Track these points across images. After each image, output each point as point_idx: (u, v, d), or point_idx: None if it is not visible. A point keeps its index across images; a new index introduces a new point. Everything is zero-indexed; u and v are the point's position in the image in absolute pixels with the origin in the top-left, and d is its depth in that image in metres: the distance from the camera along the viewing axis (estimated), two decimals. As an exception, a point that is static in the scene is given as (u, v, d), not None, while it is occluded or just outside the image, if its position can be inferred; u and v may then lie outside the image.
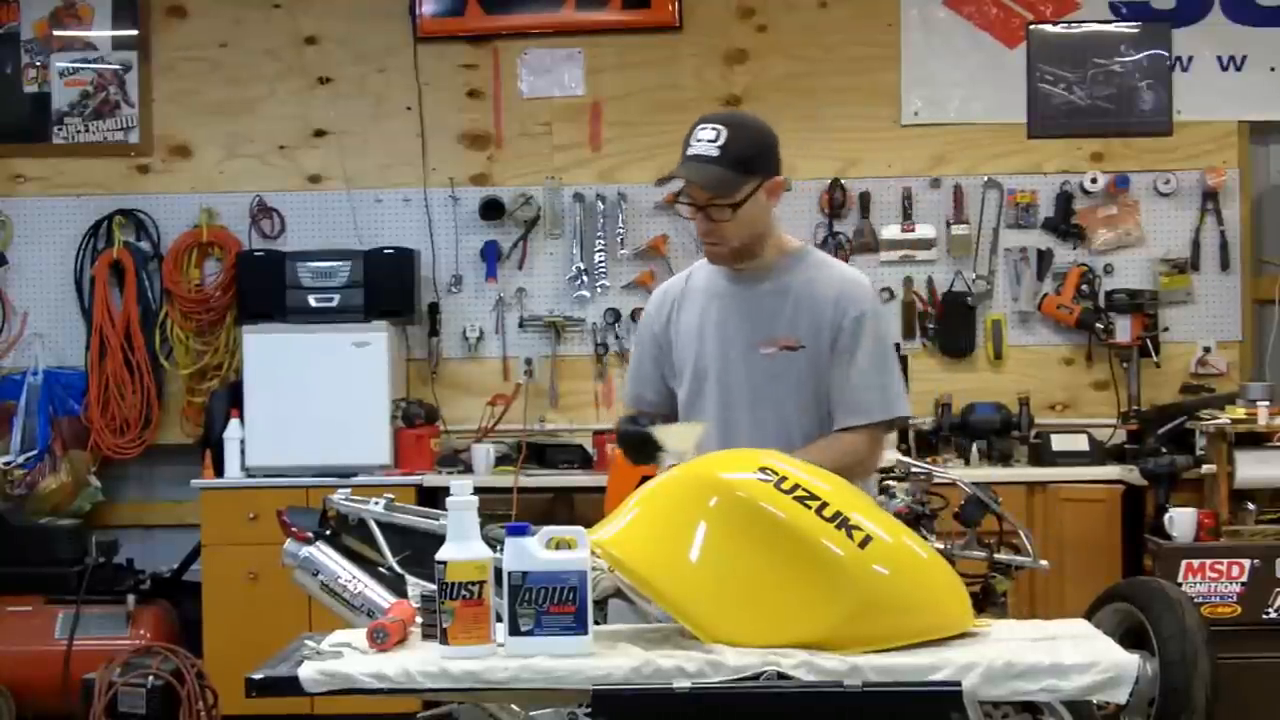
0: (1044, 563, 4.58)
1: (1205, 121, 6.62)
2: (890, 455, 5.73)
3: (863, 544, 2.69)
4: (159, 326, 6.74)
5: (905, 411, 3.43)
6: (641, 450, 3.27)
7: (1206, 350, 6.55)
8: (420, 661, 2.66)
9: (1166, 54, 6.62)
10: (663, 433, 3.25)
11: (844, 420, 3.35)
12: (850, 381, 3.34)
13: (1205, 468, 5.79)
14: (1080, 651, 2.65)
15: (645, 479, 3.06)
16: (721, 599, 2.69)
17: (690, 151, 3.24)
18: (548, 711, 2.92)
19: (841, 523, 2.70)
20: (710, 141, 3.22)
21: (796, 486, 2.75)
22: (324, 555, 3.83)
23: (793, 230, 6.62)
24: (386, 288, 6.47)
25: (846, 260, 6.62)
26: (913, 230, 6.68)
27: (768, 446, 3.14)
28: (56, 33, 6.87)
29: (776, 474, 2.78)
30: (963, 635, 2.76)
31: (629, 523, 2.82)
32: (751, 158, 3.24)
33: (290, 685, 2.63)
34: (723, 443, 3.27)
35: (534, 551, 2.69)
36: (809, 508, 2.72)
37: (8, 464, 6.58)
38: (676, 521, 2.78)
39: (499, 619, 2.70)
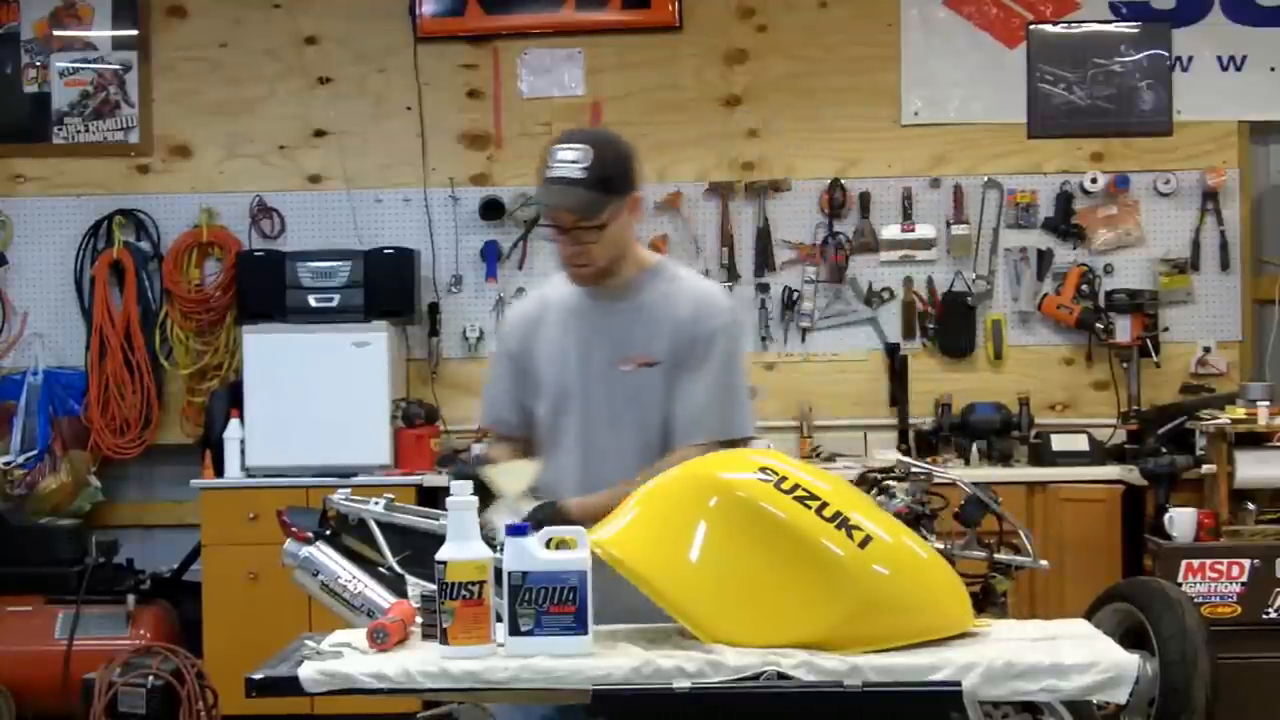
0: (1044, 563, 4.58)
1: (1205, 121, 6.63)
2: (890, 455, 5.75)
3: (863, 544, 2.69)
4: (159, 326, 6.74)
5: (747, 433, 3.28)
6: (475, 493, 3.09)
7: (1206, 350, 6.55)
8: (420, 661, 2.66)
9: (1166, 54, 6.62)
10: (493, 474, 3.12)
11: (683, 439, 3.22)
12: (694, 399, 3.23)
13: (1205, 468, 5.79)
14: (1080, 651, 2.65)
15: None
16: (721, 599, 2.69)
17: (553, 174, 3.15)
18: (548, 711, 2.92)
19: (841, 523, 2.71)
20: (573, 163, 3.15)
21: (796, 486, 2.75)
22: (324, 555, 3.83)
23: (793, 230, 6.72)
24: (386, 288, 6.47)
25: (846, 261, 6.65)
26: (913, 230, 6.68)
27: (630, 466, 3.15)
28: (56, 33, 6.87)
29: (777, 474, 2.78)
30: (963, 635, 2.76)
31: (629, 523, 2.82)
32: (614, 177, 3.20)
33: (290, 685, 2.63)
34: (585, 465, 3.21)
35: (534, 551, 2.69)
36: (809, 508, 2.72)
37: (8, 464, 6.58)
38: (676, 521, 2.78)
39: (499, 619, 2.70)
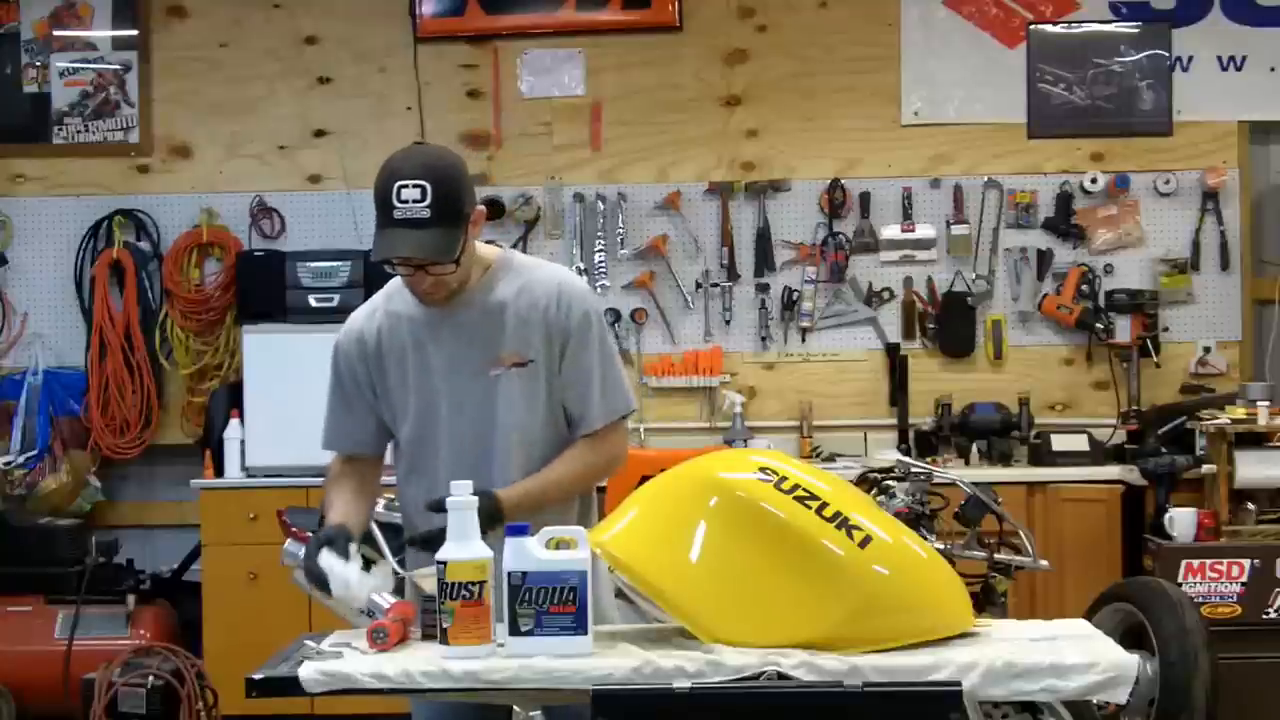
0: (1044, 563, 4.59)
1: (1205, 121, 6.62)
2: (890, 455, 5.75)
3: (863, 544, 2.70)
4: (159, 326, 6.74)
5: (631, 406, 3.27)
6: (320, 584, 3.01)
7: (1206, 350, 6.55)
8: (420, 661, 2.66)
9: (1166, 54, 6.62)
10: (337, 577, 2.94)
11: (594, 424, 3.19)
12: (593, 387, 3.19)
13: (1205, 468, 5.80)
14: (1080, 651, 2.65)
15: (645, 479, 3.06)
16: (721, 599, 2.69)
17: (399, 215, 3.00)
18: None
19: (841, 523, 2.71)
20: (418, 202, 3.00)
21: (797, 486, 2.75)
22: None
23: (793, 230, 6.71)
24: (387, 288, 6.46)
25: (846, 261, 6.64)
26: (913, 230, 6.68)
27: (516, 470, 3.11)
28: (56, 33, 6.86)
29: (777, 474, 2.78)
30: (963, 635, 2.76)
31: (629, 523, 2.82)
32: (459, 205, 3.06)
33: (290, 685, 2.63)
34: (466, 475, 2.94)
35: (534, 551, 2.69)
36: (809, 508, 2.72)
37: (8, 464, 6.58)
38: (677, 522, 2.79)
39: (499, 619, 2.70)
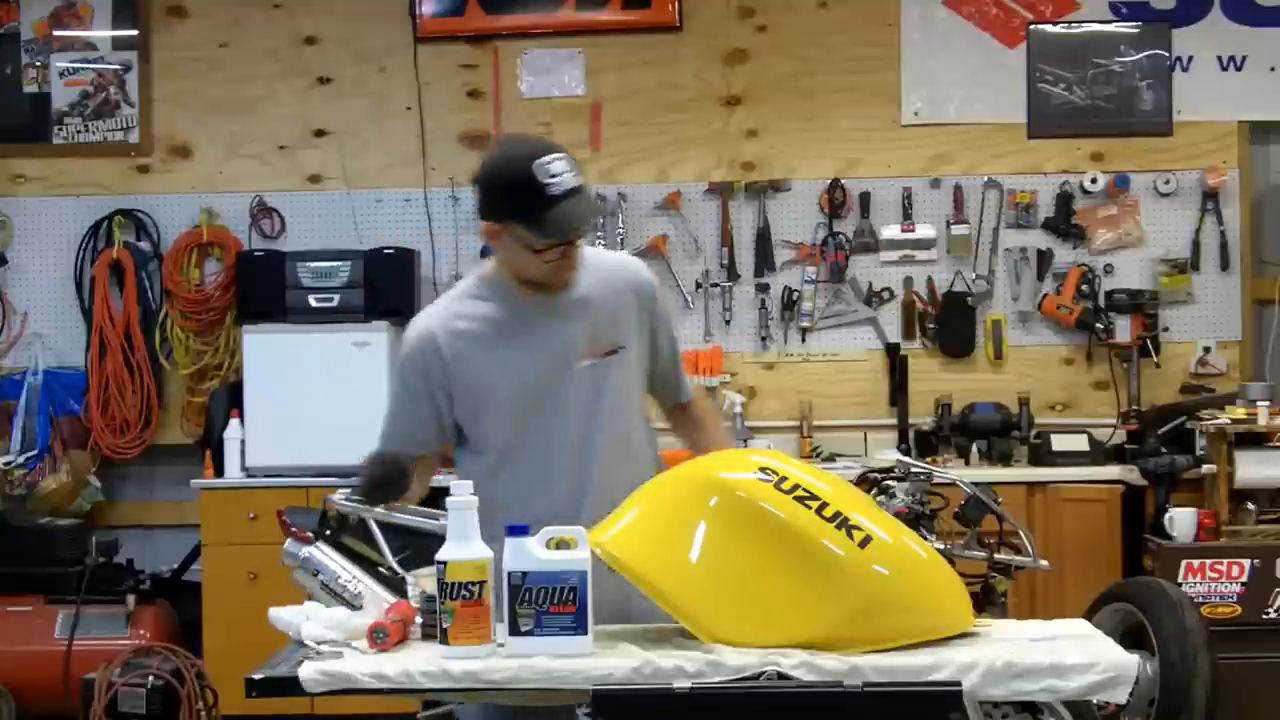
0: (1044, 563, 4.58)
1: (1205, 121, 6.62)
2: (890, 455, 5.75)
3: (863, 544, 2.70)
4: (159, 326, 6.74)
5: None
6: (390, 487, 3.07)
7: (1206, 350, 6.55)
8: (420, 661, 2.66)
9: (1166, 54, 6.62)
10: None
11: (690, 391, 3.42)
12: (679, 361, 3.39)
13: (1205, 468, 5.80)
14: (1080, 651, 2.65)
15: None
16: (721, 599, 2.69)
17: (556, 189, 2.97)
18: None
19: (841, 523, 2.71)
20: (568, 172, 3.01)
21: (796, 486, 2.75)
22: (324, 555, 3.82)
23: (793, 230, 6.72)
24: (386, 288, 6.47)
25: (846, 261, 6.65)
26: (913, 230, 6.68)
27: (618, 458, 3.14)
28: (56, 33, 6.87)
29: (777, 474, 2.78)
30: (963, 635, 2.76)
31: (629, 523, 2.82)
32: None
33: (290, 685, 2.63)
34: (572, 470, 3.10)
35: (534, 551, 2.69)
36: (809, 508, 2.72)
37: (8, 464, 6.58)
38: (677, 521, 2.78)
39: (499, 619, 2.70)
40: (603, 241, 6.66)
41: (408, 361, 3.25)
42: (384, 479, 3.06)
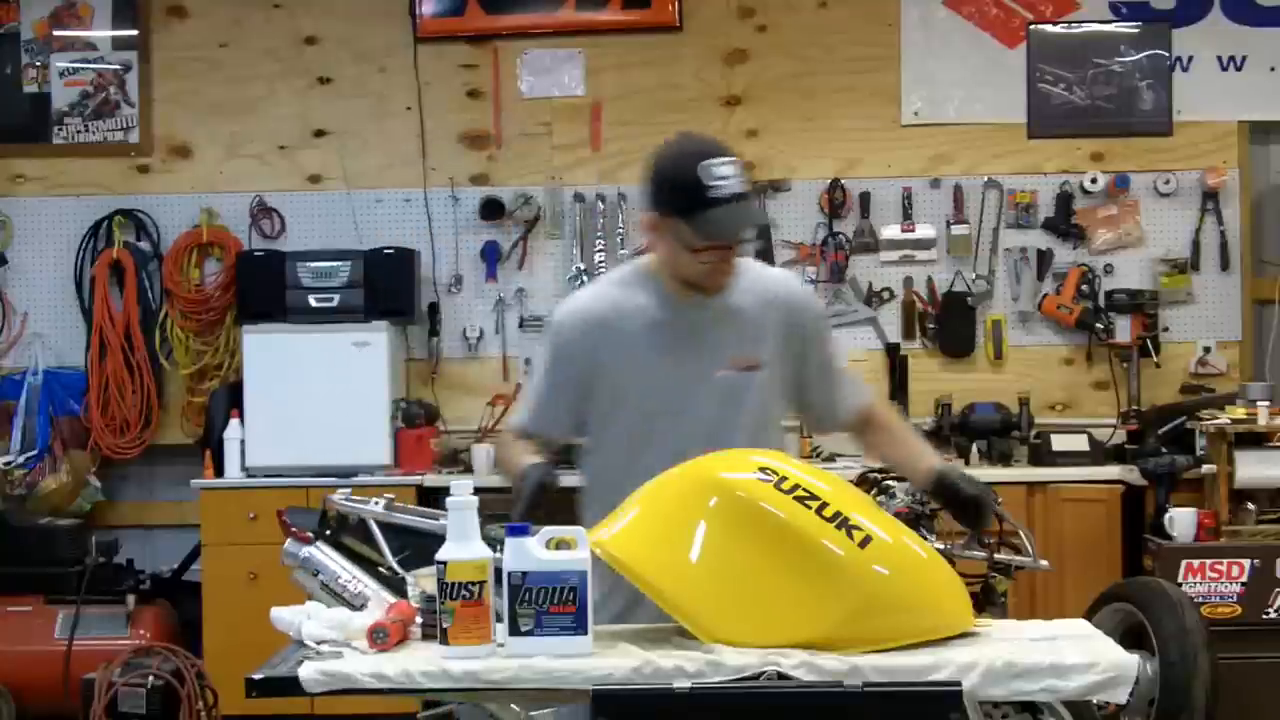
0: (1044, 563, 4.58)
1: (1205, 121, 6.62)
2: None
3: (863, 544, 2.70)
4: (159, 326, 6.74)
5: (869, 395, 3.46)
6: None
7: (1206, 350, 6.55)
8: (420, 661, 2.66)
9: (1166, 54, 6.62)
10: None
11: (846, 413, 3.36)
12: (842, 379, 3.35)
13: (1205, 468, 5.80)
14: (1080, 651, 2.65)
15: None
16: (721, 599, 2.69)
17: (718, 193, 2.98)
18: (547, 712, 2.92)
19: (841, 523, 2.71)
20: (735, 176, 3.01)
21: (796, 486, 2.75)
22: (324, 555, 3.82)
23: (793, 230, 6.71)
24: (386, 288, 6.47)
25: (846, 261, 6.65)
26: (913, 230, 6.68)
27: None
28: (56, 33, 6.87)
29: (776, 474, 2.78)
30: (963, 635, 2.76)
31: (629, 523, 2.82)
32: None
33: (290, 685, 2.62)
34: None
35: (534, 551, 2.69)
36: (809, 508, 2.72)
37: (8, 464, 6.58)
38: (677, 521, 2.78)
39: (499, 619, 2.70)
40: (603, 243, 6.69)
41: (559, 343, 3.25)
42: (537, 499, 3.00)
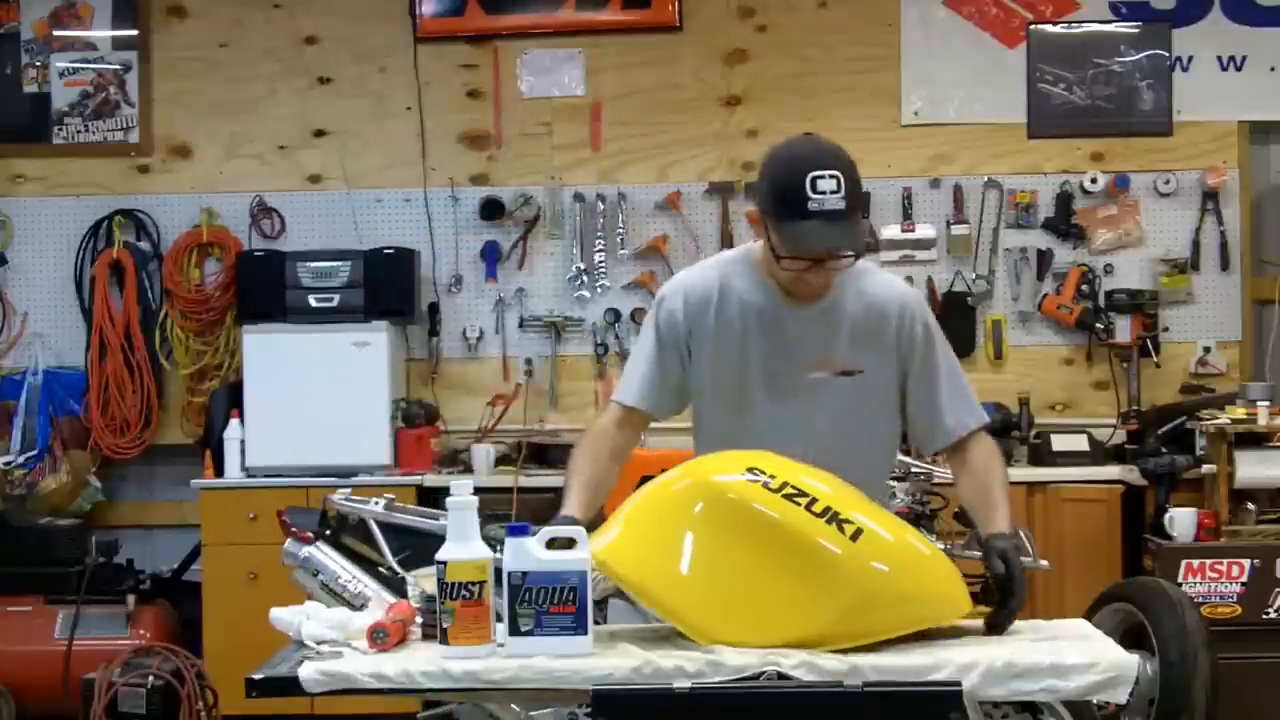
0: (1044, 563, 4.58)
1: (1205, 121, 6.62)
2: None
3: (854, 537, 2.70)
4: (159, 326, 6.74)
5: (986, 416, 3.30)
6: None
7: (1206, 350, 6.55)
8: (420, 661, 2.66)
9: (1166, 54, 6.62)
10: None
11: (952, 433, 3.22)
12: (943, 398, 3.22)
13: (1205, 468, 5.79)
14: (1080, 651, 2.65)
15: (646, 479, 3.05)
16: (715, 603, 2.69)
17: (814, 207, 2.95)
18: (547, 712, 2.92)
19: (832, 518, 2.71)
20: (834, 193, 2.96)
21: (785, 484, 2.75)
22: (324, 555, 3.82)
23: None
24: (386, 288, 6.47)
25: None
26: (913, 230, 6.67)
27: (843, 478, 2.96)
28: (56, 33, 6.87)
29: (765, 473, 2.77)
30: (963, 635, 2.76)
31: (620, 532, 2.82)
32: (864, 198, 3.07)
33: (290, 685, 2.63)
34: None
35: (534, 551, 2.69)
36: (799, 505, 2.72)
37: (8, 464, 6.58)
38: (668, 526, 2.78)
39: (499, 619, 2.70)
40: (603, 242, 6.69)
41: (664, 318, 3.22)
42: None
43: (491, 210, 6.73)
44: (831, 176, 2.97)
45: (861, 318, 3.16)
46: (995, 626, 2.85)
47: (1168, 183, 6.59)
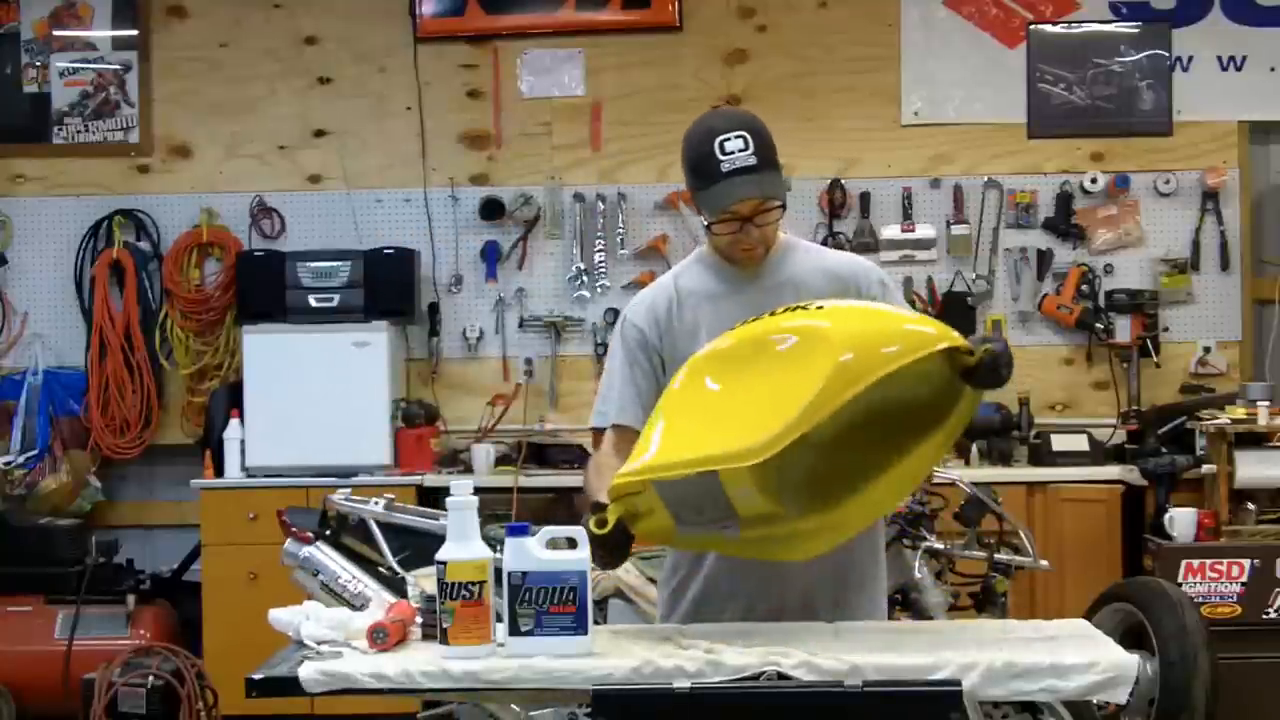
0: (1044, 563, 4.59)
1: (1205, 121, 6.62)
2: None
3: (819, 309, 2.83)
4: (159, 326, 6.74)
5: None
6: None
7: (1206, 350, 6.55)
8: (420, 661, 2.66)
9: (1166, 54, 6.62)
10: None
11: None
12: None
13: (1205, 468, 5.80)
14: (1080, 651, 2.65)
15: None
16: (740, 426, 2.71)
17: (727, 167, 3.05)
18: (547, 712, 2.92)
19: (791, 310, 2.84)
20: (743, 151, 3.05)
21: (747, 324, 2.88)
22: (324, 555, 3.83)
23: (793, 230, 6.69)
24: (386, 288, 6.48)
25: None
26: (913, 230, 6.68)
27: None
28: (56, 33, 6.87)
29: (732, 333, 2.90)
30: (962, 636, 2.76)
31: (663, 434, 2.82)
32: (775, 151, 3.12)
33: (290, 685, 2.63)
34: None
35: (534, 551, 2.69)
36: (759, 319, 2.86)
37: (8, 464, 6.58)
38: (691, 411, 2.83)
39: (499, 619, 2.70)
40: (603, 242, 6.69)
41: (628, 337, 3.28)
42: (614, 543, 2.89)
43: (491, 210, 6.73)
44: (738, 136, 3.06)
45: (818, 281, 3.22)
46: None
47: (1168, 183, 6.59)
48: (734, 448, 2.69)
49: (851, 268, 3.30)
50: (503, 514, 5.79)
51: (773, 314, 2.84)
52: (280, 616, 2.85)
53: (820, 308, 2.82)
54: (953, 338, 2.78)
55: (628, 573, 4.16)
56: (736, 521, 2.79)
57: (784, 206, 3.13)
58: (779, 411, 2.68)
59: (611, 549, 2.83)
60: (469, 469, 6.41)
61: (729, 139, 3.07)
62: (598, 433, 3.28)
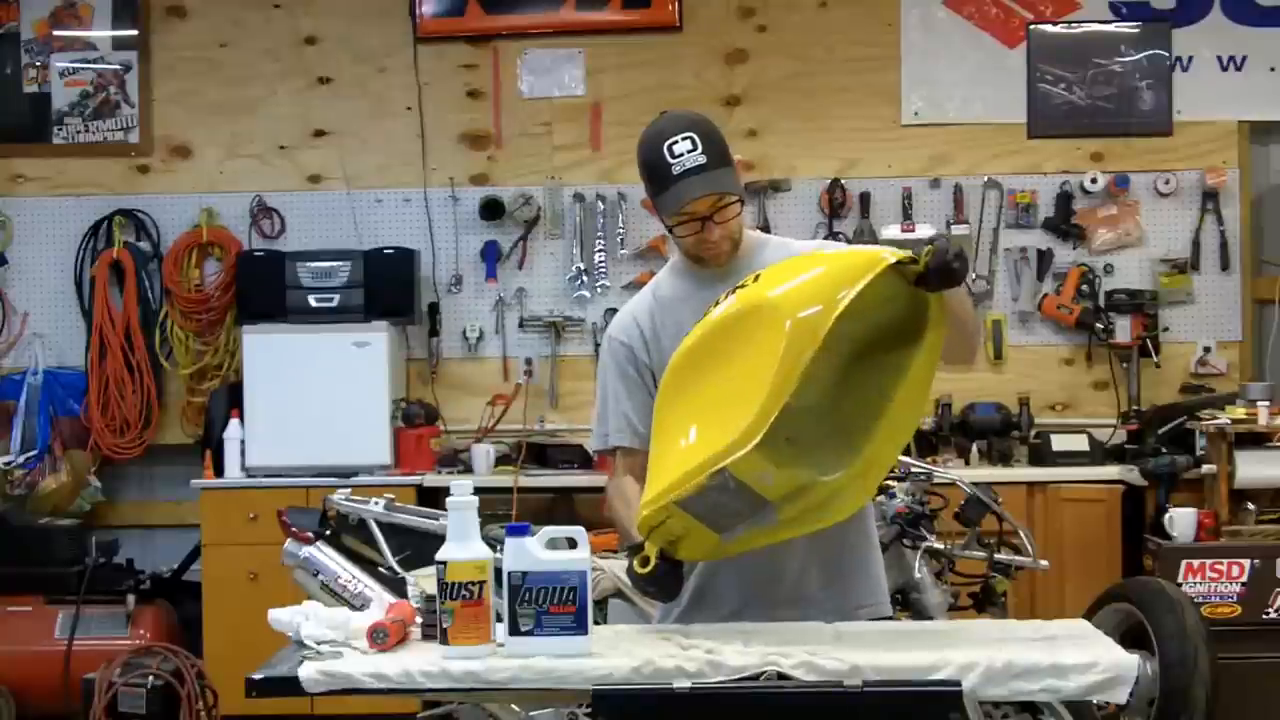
0: (1044, 563, 4.59)
1: (1205, 121, 6.62)
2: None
3: (755, 280, 2.83)
4: (159, 326, 6.74)
5: None
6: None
7: (1206, 350, 6.55)
8: (420, 661, 2.66)
9: (1166, 54, 6.62)
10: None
11: None
12: None
13: (1205, 468, 5.79)
14: (1080, 651, 2.65)
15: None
16: (732, 414, 2.72)
17: (678, 170, 3.07)
18: (547, 712, 2.92)
19: (739, 288, 2.84)
20: (691, 151, 3.08)
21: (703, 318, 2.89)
22: (324, 555, 3.84)
23: (795, 231, 6.71)
24: (386, 288, 6.48)
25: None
26: (913, 230, 6.67)
27: None
28: (56, 33, 6.87)
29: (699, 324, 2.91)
30: (962, 636, 2.76)
31: (666, 453, 2.84)
32: (727, 148, 3.15)
33: (290, 685, 2.62)
34: None
35: (534, 551, 2.69)
36: (708, 313, 2.86)
37: (8, 464, 6.58)
38: (685, 406, 2.85)
39: (499, 619, 2.70)
40: (603, 242, 6.69)
41: (614, 355, 3.28)
42: (663, 578, 2.87)
43: (491, 210, 6.73)
44: (685, 138, 3.09)
45: None
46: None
47: (1168, 183, 6.59)
48: (730, 438, 2.69)
49: (817, 248, 3.26)
50: (503, 514, 5.79)
51: (717, 302, 2.86)
52: (280, 616, 2.85)
53: (756, 278, 2.83)
54: (889, 254, 2.76)
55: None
56: (770, 506, 2.78)
57: (743, 201, 3.15)
58: (756, 389, 2.69)
59: (661, 584, 2.84)
60: (469, 469, 6.41)
61: (676, 141, 3.09)
62: (603, 455, 3.29)
